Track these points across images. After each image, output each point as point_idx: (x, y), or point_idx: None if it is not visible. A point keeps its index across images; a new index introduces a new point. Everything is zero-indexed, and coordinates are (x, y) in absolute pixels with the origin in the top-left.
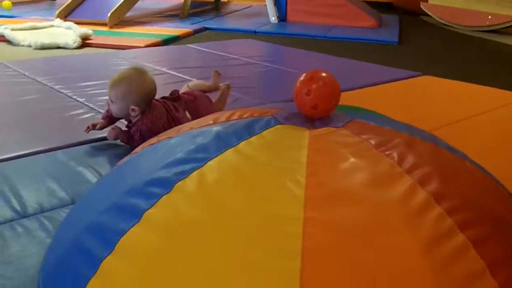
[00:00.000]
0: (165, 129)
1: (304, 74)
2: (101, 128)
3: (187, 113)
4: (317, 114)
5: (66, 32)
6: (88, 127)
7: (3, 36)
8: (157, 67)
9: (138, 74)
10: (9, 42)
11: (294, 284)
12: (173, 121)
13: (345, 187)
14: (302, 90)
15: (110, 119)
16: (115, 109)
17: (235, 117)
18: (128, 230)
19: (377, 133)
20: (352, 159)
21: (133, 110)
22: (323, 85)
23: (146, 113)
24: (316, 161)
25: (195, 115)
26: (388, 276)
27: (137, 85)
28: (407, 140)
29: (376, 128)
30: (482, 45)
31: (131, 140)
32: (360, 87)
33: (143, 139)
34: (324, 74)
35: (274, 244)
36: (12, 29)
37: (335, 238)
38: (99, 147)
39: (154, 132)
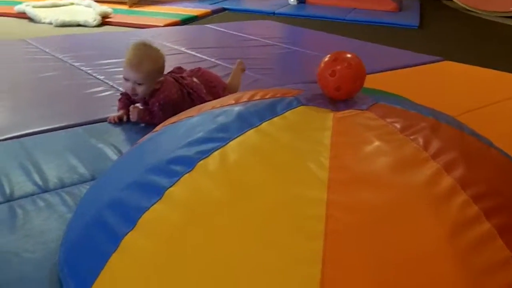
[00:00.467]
0: (179, 97)
1: (328, 55)
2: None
3: (194, 78)
4: (340, 96)
5: (86, 10)
6: (114, 120)
7: (24, 13)
8: (176, 47)
9: (151, 49)
10: (30, 19)
11: (316, 265)
12: (183, 87)
13: (369, 170)
14: (326, 71)
15: (128, 107)
16: (143, 90)
17: (257, 97)
18: (149, 208)
19: (402, 117)
20: (376, 143)
21: (158, 82)
22: (347, 66)
23: (162, 91)
24: (339, 143)
25: (204, 81)
26: (410, 261)
27: (156, 59)
28: (432, 125)
29: (401, 111)
30: (505, 31)
31: (151, 116)
32: (380, 71)
33: (163, 110)
34: (349, 55)
35: (296, 225)
36: (34, 7)
37: (358, 221)
38: (118, 124)
39: (171, 100)
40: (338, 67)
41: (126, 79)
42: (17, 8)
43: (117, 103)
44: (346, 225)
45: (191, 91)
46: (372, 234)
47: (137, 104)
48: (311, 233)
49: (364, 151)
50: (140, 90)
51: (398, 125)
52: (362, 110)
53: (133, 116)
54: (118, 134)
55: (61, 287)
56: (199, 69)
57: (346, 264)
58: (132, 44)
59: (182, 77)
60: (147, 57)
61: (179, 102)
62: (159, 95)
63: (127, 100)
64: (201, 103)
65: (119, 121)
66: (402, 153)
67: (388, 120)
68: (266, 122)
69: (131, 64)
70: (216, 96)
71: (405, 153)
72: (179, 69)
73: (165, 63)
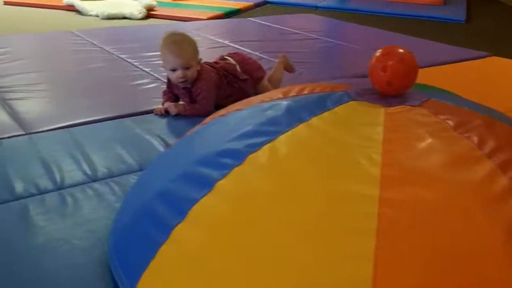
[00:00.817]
0: (218, 80)
1: (379, 50)
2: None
3: (227, 59)
4: (392, 91)
5: (132, 3)
6: (161, 112)
7: (72, 5)
8: (219, 40)
9: (181, 34)
10: (78, 11)
11: (368, 263)
12: (218, 71)
13: (422, 167)
14: (377, 66)
15: (173, 101)
16: (192, 73)
17: (306, 91)
18: (199, 199)
19: (455, 114)
20: (429, 140)
21: (198, 64)
22: (399, 61)
23: (202, 78)
24: (391, 139)
25: (239, 60)
26: (464, 261)
27: (190, 40)
28: (487, 122)
29: (454, 108)
30: None
31: (194, 107)
32: (425, 67)
33: (207, 97)
34: (401, 50)
35: (347, 221)
36: None
37: (412, 219)
38: (164, 116)
39: (212, 85)
40: (390, 62)
41: (173, 69)
42: (66, 1)
43: (162, 96)
44: (400, 223)
45: (225, 73)
46: (425, 233)
47: (181, 102)
48: (363, 230)
49: (417, 147)
50: (189, 74)
51: (451, 122)
52: (414, 106)
53: (172, 110)
54: (164, 126)
55: (110, 275)
56: (235, 53)
57: (398, 262)
58: (163, 38)
59: (215, 62)
60: (184, 41)
61: (219, 86)
62: (200, 82)
63: (170, 93)
64: (238, 84)
65: (165, 113)
66: (456, 151)
67: (441, 117)
68: (316, 117)
69: (175, 52)
70: (250, 73)
71: (459, 151)
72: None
73: (207, 55)
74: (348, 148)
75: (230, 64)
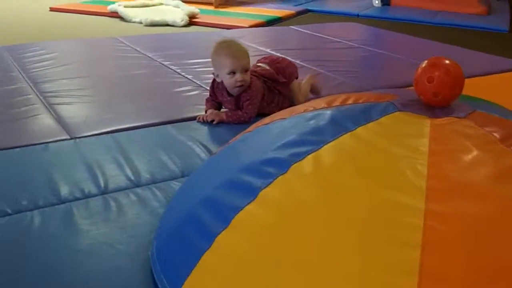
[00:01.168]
0: (262, 91)
1: (425, 61)
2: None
3: (261, 65)
4: (438, 103)
5: (174, 10)
6: (204, 119)
7: (116, 12)
8: (261, 48)
9: (235, 40)
10: (121, 18)
11: (413, 276)
12: (259, 78)
13: (469, 180)
14: (423, 77)
15: (216, 108)
16: (248, 77)
17: (350, 101)
18: (243, 207)
19: (501, 126)
20: (475, 152)
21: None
22: (446, 72)
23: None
24: (437, 151)
25: (270, 62)
26: None
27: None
28: None
29: (500, 120)
30: None
31: (236, 113)
32: (468, 77)
33: (252, 104)
34: (447, 61)
35: (392, 233)
36: (125, 6)
37: (459, 233)
38: (206, 123)
39: (259, 92)
40: (436, 73)
41: (233, 72)
42: (110, 7)
43: (205, 103)
44: (446, 236)
45: (265, 79)
46: (474, 247)
47: (223, 110)
48: (408, 243)
49: (463, 160)
50: (247, 77)
51: (497, 135)
52: (460, 118)
53: (215, 118)
54: (206, 133)
55: (153, 280)
56: (266, 58)
57: (445, 277)
58: (217, 44)
59: (253, 70)
60: (240, 45)
61: (262, 93)
62: (250, 89)
63: (213, 101)
64: (278, 89)
65: (208, 121)
66: (503, 164)
67: (487, 129)
68: (361, 127)
69: (235, 54)
70: (283, 72)
71: (506, 164)
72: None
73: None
74: (394, 159)
75: (266, 70)
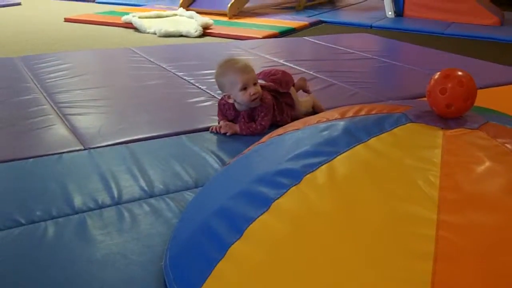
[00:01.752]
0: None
1: (438, 72)
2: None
3: (261, 81)
4: (451, 114)
5: (188, 21)
6: (218, 130)
7: (131, 23)
8: (274, 59)
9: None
10: (136, 29)
11: (425, 286)
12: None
13: (482, 191)
14: (436, 88)
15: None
16: (258, 88)
17: (363, 112)
18: (257, 218)
19: None
20: (488, 163)
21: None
22: (458, 83)
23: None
24: (450, 162)
25: (266, 76)
26: None
27: None
28: None
29: None
30: None
31: (251, 126)
32: (482, 87)
33: (267, 115)
34: (460, 73)
35: (405, 244)
36: (139, 17)
37: (472, 244)
38: (219, 134)
39: (272, 105)
40: (449, 85)
41: (245, 88)
42: (124, 18)
43: (217, 113)
44: (459, 247)
45: (269, 91)
46: (487, 259)
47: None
48: (420, 254)
49: (476, 171)
50: (259, 88)
51: (510, 146)
52: (473, 129)
53: (229, 130)
54: (220, 144)
55: None
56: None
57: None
58: (221, 65)
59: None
60: (241, 59)
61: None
62: (263, 101)
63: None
64: (282, 99)
65: (221, 132)
66: None
67: (500, 140)
68: (374, 138)
69: (244, 69)
70: (279, 82)
71: None
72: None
73: None
74: (406, 170)
75: (265, 83)
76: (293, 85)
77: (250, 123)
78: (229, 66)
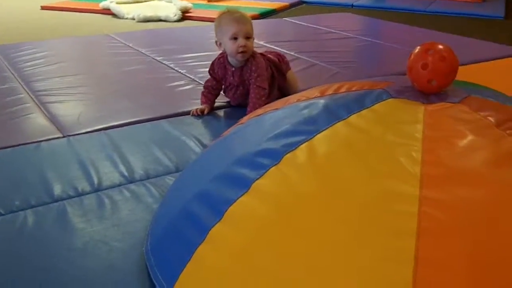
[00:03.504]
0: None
1: (418, 47)
2: (209, 112)
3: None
4: (433, 89)
5: (167, 5)
6: (196, 113)
7: (109, 9)
8: (255, 40)
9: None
10: (114, 15)
11: (408, 263)
12: (266, 61)
13: (465, 166)
14: (417, 63)
15: (212, 102)
16: (251, 45)
17: (343, 90)
18: (237, 199)
19: (497, 110)
20: (470, 137)
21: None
22: (440, 58)
23: (254, 57)
24: (432, 137)
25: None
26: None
27: None
28: None
29: (495, 105)
30: None
31: (250, 97)
32: (465, 64)
33: (262, 75)
34: (441, 47)
35: (387, 221)
36: (117, 3)
37: (454, 219)
38: (200, 117)
39: (264, 66)
40: (430, 59)
41: (235, 38)
42: (102, 4)
43: (200, 97)
44: (441, 223)
45: (271, 64)
46: (470, 233)
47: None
48: (403, 231)
49: (459, 145)
50: (250, 44)
51: (492, 119)
52: (454, 103)
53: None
54: (200, 127)
55: (148, 276)
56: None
57: (440, 264)
58: (221, 13)
59: (262, 53)
60: (244, 13)
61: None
62: (254, 60)
63: (210, 94)
64: (278, 80)
65: (201, 114)
66: (499, 149)
67: (482, 113)
68: (354, 115)
69: (239, 19)
70: (283, 65)
71: (502, 148)
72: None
73: None
74: (388, 146)
75: (272, 58)
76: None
77: (239, 89)
78: (228, 14)
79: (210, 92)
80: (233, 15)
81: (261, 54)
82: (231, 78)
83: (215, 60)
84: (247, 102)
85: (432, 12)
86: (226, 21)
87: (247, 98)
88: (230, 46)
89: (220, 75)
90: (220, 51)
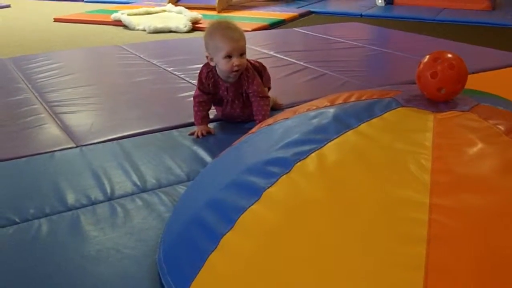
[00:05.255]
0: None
1: (427, 56)
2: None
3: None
4: (442, 97)
5: (177, 17)
6: (202, 135)
7: (120, 20)
8: (264, 51)
9: (232, 21)
10: (125, 26)
11: (418, 271)
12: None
13: (474, 173)
14: (426, 72)
15: (208, 119)
16: (245, 62)
17: (353, 99)
18: (248, 208)
19: (506, 119)
20: (480, 145)
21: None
22: (449, 66)
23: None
24: (441, 145)
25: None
26: None
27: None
28: None
29: (505, 113)
30: None
31: (255, 104)
32: (474, 72)
33: (259, 84)
34: (450, 55)
35: (397, 229)
36: (128, 14)
37: (465, 226)
38: (211, 126)
39: (257, 76)
40: (439, 68)
41: (229, 56)
42: (114, 16)
43: (194, 116)
44: (451, 230)
45: (260, 72)
46: (480, 240)
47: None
48: (413, 238)
49: (468, 153)
50: (244, 61)
51: (502, 127)
52: (464, 111)
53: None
54: (210, 137)
55: (161, 283)
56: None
57: (450, 270)
58: (212, 25)
59: (250, 62)
60: (237, 26)
61: None
62: (247, 70)
63: (204, 111)
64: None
65: (206, 134)
66: (508, 156)
67: (491, 122)
68: (364, 124)
69: (233, 36)
70: (265, 78)
71: (511, 156)
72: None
73: None
74: (398, 154)
75: (257, 66)
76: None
77: (235, 102)
78: (220, 28)
79: (204, 108)
80: (226, 31)
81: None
82: (225, 93)
83: (202, 74)
84: (244, 114)
85: (441, 20)
86: (220, 38)
87: (245, 111)
88: (224, 65)
89: (212, 91)
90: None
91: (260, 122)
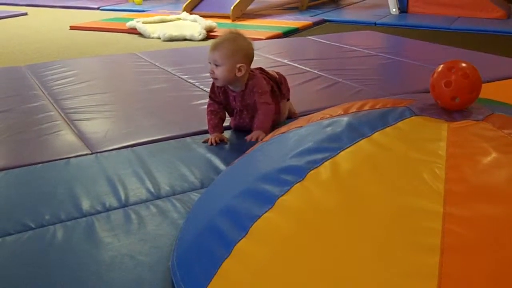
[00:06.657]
0: (270, 89)
1: (442, 65)
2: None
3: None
4: (456, 107)
5: (192, 25)
6: (215, 143)
7: (135, 28)
8: (278, 59)
9: (237, 34)
10: (140, 34)
11: (432, 279)
12: (270, 80)
13: (488, 183)
14: (440, 81)
15: (221, 128)
16: (222, 73)
17: (367, 107)
18: (261, 215)
19: None
20: (494, 154)
21: (239, 69)
22: (463, 76)
23: (252, 78)
24: (455, 154)
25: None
26: None
27: (241, 43)
28: None
29: None
30: None
31: (258, 116)
32: (489, 81)
33: (265, 92)
34: (464, 64)
35: (411, 238)
36: (144, 22)
37: (478, 236)
38: (225, 135)
39: (264, 83)
40: (454, 77)
41: (209, 63)
42: (129, 24)
43: (208, 126)
44: (465, 240)
45: (272, 83)
46: (493, 250)
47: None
48: (427, 247)
49: (482, 162)
50: (218, 72)
51: None
52: (478, 120)
53: (259, 137)
54: (224, 145)
55: None
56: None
57: (464, 280)
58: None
59: (265, 72)
60: (230, 39)
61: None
62: (252, 81)
63: (216, 120)
64: (277, 100)
65: (220, 142)
66: None
67: (505, 131)
68: (378, 132)
69: (213, 43)
70: (285, 88)
71: None
72: (260, 69)
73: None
74: (411, 163)
75: (275, 76)
76: (288, 99)
77: (243, 111)
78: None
79: (216, 117)
80: (214, 41)
81: (259, 68)
82: (234, 102)
83: (214, 84)
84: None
85: (456, 29)
86: None
87: (254, 122)
88: (210, 71)
89: (223, 100)
90: None
91: (257, 127)
